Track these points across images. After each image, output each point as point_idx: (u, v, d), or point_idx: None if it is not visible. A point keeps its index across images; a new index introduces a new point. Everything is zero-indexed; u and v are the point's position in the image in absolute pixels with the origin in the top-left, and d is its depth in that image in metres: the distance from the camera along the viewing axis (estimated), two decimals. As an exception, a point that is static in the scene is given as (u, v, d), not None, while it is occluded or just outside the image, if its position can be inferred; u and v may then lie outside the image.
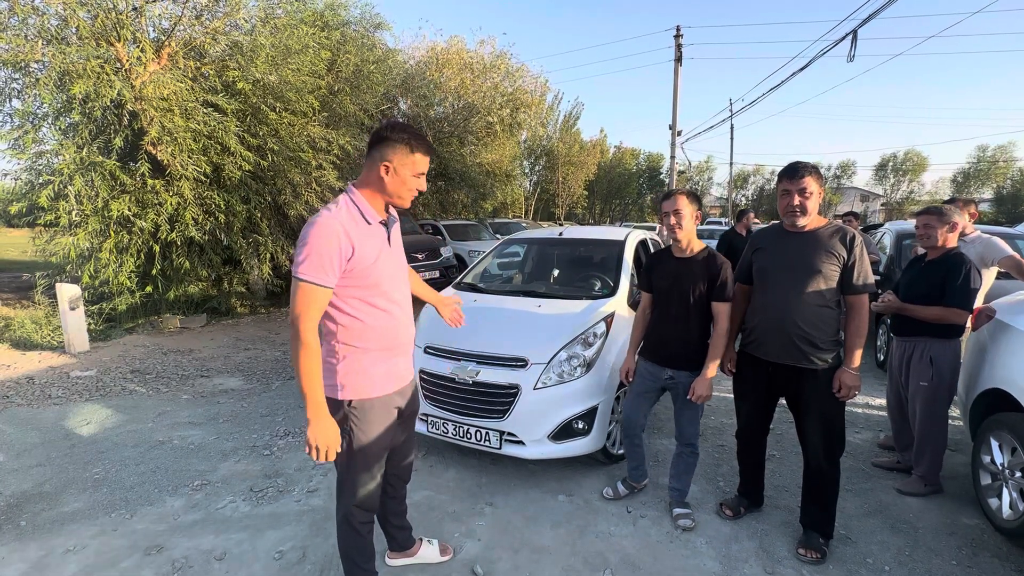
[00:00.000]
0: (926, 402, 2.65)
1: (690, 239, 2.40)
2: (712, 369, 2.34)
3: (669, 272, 2.43)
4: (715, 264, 2.35)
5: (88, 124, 5.63)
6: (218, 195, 6.23)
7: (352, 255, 1.55)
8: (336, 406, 1.66)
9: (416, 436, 2.21)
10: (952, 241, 2.70)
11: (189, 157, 5.74)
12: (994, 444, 2.49)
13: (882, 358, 5.00)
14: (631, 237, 3.99)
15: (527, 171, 30.57)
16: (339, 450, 1.60)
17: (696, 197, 2.41)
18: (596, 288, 3.58)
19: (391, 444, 1.82)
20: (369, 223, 1.64)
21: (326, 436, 1.55)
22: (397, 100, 12.16)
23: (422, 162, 1.65)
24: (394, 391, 1.77)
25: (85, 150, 5.48)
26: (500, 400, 2.71)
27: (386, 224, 1.72)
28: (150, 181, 5.80)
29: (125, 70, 5.61)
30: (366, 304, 1.65)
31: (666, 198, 2.41)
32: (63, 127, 5.87)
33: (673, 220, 2.35)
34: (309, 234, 1.50)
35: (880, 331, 5.08)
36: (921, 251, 2.92)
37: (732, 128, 27.17)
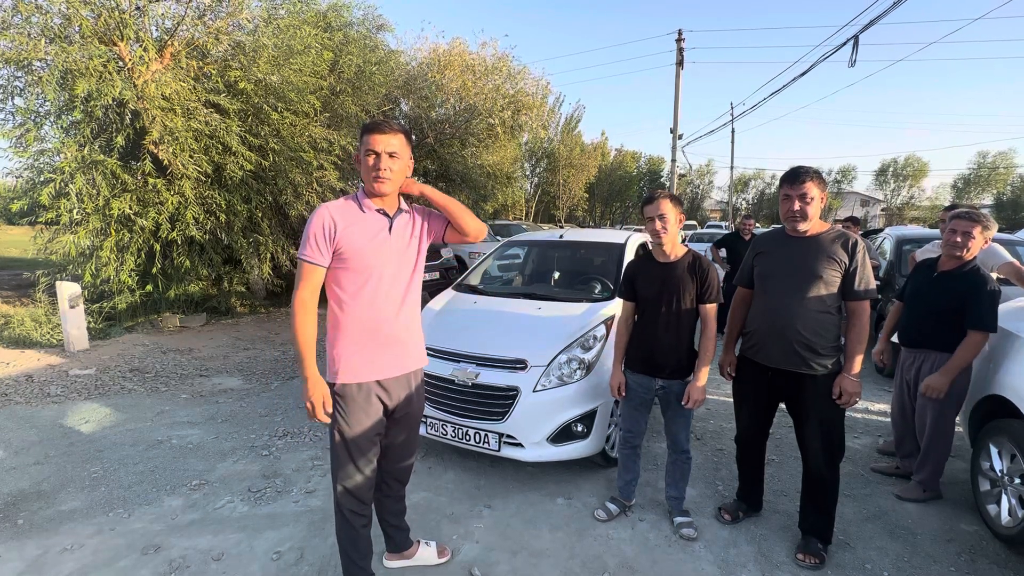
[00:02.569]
0: (935, 413, 2.61)
1: (674, 243, 2.36)
2: (704, 373, 2.31)
3: (655, 279, 2.36)
4: (701, 267, 2.32)
5: (90, 123, 5.63)
6: (219, 194, 6.24)
7: (335, 233, 1.69)
8: (329, 388, 1.78)
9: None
10: (974, 253, 2.57)
11: (190, 156, 5.74)
12: (993, 450, 2.48)
13: (885, 359, 4.97)
14: (631, 240, 4.00)
15: (528, 173, 30.58)
16: (330, 411, 1.73)
17: (678, 200, 2.34)
18: (596, 291, 3.59)
19: (375, 436, 1.82)
20: (363, 211, 1.75)
21: (316, 393, 1.70)
22: (399, 101, 12.17)
23: (371, 141, 1.68)
24: (374, 380, 1.79)
25: (87, 148, 5.48)
26: (499, 402, 2.71)
27: (387, 214, 1.78)
28: (151, 180, 5.80)
29: (127, 69, 5.61)
30: (356, 288, 1.74)
31: (648, 202, 2.32)
32: (65, 125, 5.87)
33: (658, 225, 2.28)
34: (307, 222, 1.72)
35: (880, 337, 5.07)
36: (920, 257, 2.89)
37: (733, 132, 27.28)
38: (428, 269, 8.97)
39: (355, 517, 1.84)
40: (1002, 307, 2.82)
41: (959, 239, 2.53)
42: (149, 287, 6.50)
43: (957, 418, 2.70)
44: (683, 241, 2.50)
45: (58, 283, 5.52)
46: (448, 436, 2.83)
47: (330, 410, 1.73)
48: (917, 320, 2.72)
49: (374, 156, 1.69)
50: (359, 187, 1.80)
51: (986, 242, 2.56)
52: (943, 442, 2.64)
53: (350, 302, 1.73)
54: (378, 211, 1.77)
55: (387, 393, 1.82)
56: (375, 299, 1.75)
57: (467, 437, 2.78)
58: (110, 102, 5.34)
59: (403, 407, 1.88)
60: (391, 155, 1.70)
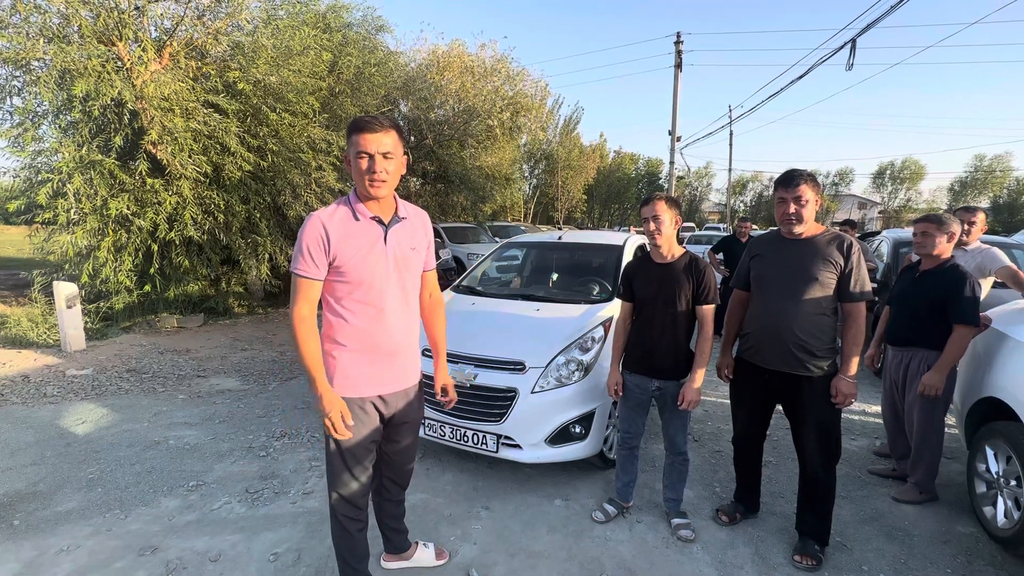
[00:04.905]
0: (923, 412, 2.64)
1: (670, 244, 2.37)
2: (700, 375, 2.31)
3: (652, 279, 2.38)
4: (698, 268, 2.33)
5: (88, 123, 5.62)
6: (217, 195, 6.23)
7: (329, 245, 1.59)
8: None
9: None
10: (948, 252, 2.67)
11: (189, 157, 5.74)
12: (989, 453, 2.50)
13: (879, 365, 5.00)
14: (630, 242, 4.01)
15: (527, 175, 30.60)
16: (350, 422, 1.66)
17: (675, 202, 2.36)
18: (595, 292, 3.59)
19: (371, 444, 1.79)
20: (357, 219, 1.64)
21: (334, 408, 1.62)
22: (398, 102, 12.17)
23: (362, 141, 1.55)
24: (374, 394, 1.74)
25: (85, 148, 5.47)
26: (497, 404, 2.71)
27: (382, 223, 1.68)
28: (149, 180, 5.79)
29: (126, 69, 5.61)
30: (353, 301, 1.67)
31: (644, 204, 2.37)
32: (63, 125, 5.87)
33: (652, 226, 2.31)
34: (299, 233, 1.61)
35: (872, 341, 5.08)
36: (913, 259, 2.93)
37: (731, 134, 27.26)
38: (427, 270, 8.96)
39: (350, 522, 1.83)
40: (997, 309, 2.85)
41: (919, 239, 2.72)
42: (147, 287, 6.49)
43: (950, 419, 2.71)
44: (682, 243, 2.51)
45: (55, 283, 5.51)
46: (446, 437, 2.83)
47: (350, 422, 1.65)
48: (903, 319, 2.78)
49: (367, 158, 1.56)
50: (352, 188, 1.72)
51: (951, 238, 2.66)
52: (932, 441, 2.66)
53: (348, 315, 1.66)
54: (373, 218, 1.66)
55: (385, 404, 1.78)
56: (374, 313, 1.67)
57: (465, 438, 2.78)
58: (108, 102, 5.34)
59: (402, 415, 1.85)
60: (385, 155, 1.58)
